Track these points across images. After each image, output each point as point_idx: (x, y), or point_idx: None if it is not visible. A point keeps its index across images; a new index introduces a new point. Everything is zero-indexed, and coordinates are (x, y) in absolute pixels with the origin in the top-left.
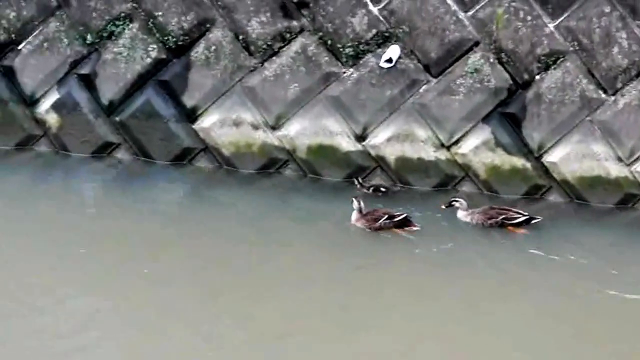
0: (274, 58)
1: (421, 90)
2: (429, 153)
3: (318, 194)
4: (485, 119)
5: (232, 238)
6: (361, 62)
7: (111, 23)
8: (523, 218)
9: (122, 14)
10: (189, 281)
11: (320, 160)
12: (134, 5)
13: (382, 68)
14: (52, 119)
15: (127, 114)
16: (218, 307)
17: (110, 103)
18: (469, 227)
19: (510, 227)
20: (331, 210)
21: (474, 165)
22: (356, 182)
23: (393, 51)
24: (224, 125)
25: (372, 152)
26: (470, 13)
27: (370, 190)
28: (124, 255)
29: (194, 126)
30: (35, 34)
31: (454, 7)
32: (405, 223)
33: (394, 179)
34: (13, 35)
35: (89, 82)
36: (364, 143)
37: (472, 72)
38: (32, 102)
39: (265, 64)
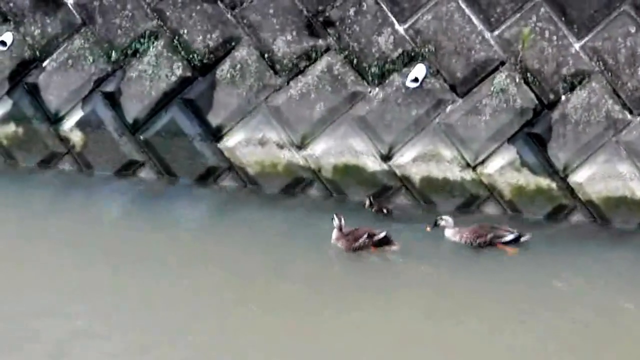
0: (299, 77)
1: (447, 110)
2: (455, 173)
3: (343, 214)
4: (511, 139)
5: (256, 257)
6: (387, 81)
7: (136, 41)
8: (512, 236)
9: (147, 32)
10: (212, 299)
11: (345, 180)
12: (159, 22)
13: (408, 88)
14: (76, 137)
15: (152, 132)
16: (240, 323)
17: (135, 121)
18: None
19: (500, 245)
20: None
21: (499, 186)
22: (367, 202)
23: (419, 71)
24: (249, 144)
25: (398, 172)
26: (496, 33)
27: (375, 210)
28: (147, 273)
29: (219, 145)
30: (59, 51)
31: (480, 26)
32: (386, 241)
33: (419, 199)
34: (37, 52)
35: (113, 100)
36: (389, 163)
37: (497, 92)
38: (56, 119)
39: (291, 83)
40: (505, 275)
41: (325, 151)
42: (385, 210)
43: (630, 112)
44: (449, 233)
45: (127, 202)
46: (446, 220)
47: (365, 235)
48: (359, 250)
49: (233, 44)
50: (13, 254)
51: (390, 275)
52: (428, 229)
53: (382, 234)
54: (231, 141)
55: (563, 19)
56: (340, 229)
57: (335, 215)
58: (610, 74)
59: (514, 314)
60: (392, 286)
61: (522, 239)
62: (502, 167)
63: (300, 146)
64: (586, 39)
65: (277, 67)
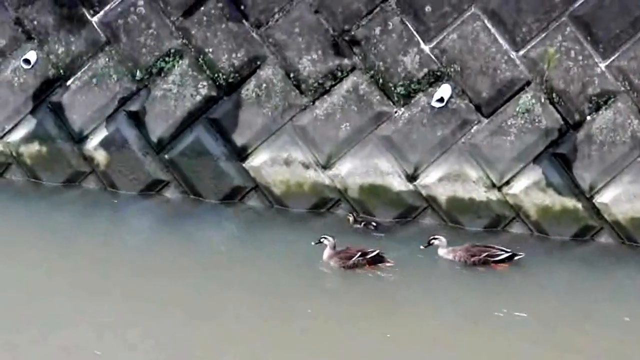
0: (325, 96)
1: (472, 130)
2: (480, 193)
3: (368, 234)
4: (536, 160)
5: (282, 277)
6: (412, 101)
7: (161, 59)
8: (506, 255)
9: (172, 50)
10: (238, 318)
11: (371, 200)
12: (184, 41)
13: (433, 107)
14: (101, 156)
15: (177, 151)
16: (272, 343)
17: (160, 140)
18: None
19: (493, 264)
20: (384, 251)
21: (525, 206)
22: (351, 217)
23: (444, 91)
24: (274, 164)
25: (423, 192)
26: (521, 52)
27: (362, 225)
28: (171, 293)
29: (244, 165)
30: (83, 69)
31: (506, 46)
32: (379, 259)
33: (445, 220)
34: (61, 71)
35: (138, 119)
36: (415, 183)
37: (523, 112)
38: (80, 138)
39: (317, 103)
40: (535, 293)
41: (351, 171)
42: (372, 226)
43: None
44: (442, 252)
45: (151, 221)
46: (440, 239)
47: (359, 254)
48: (352, 269)
49: (258, 63)
50: (37, 273)
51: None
52: (422, 247)
53: (374, 253)
54: (256, 161)
55: (588, 38)
56: (333, 247)
57: (325, 236)
58: (635, 94)
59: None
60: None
61: (516, 258)
62: (528, 188)
63: (326, 166)
64: (612, 58)
65: (303, 86)
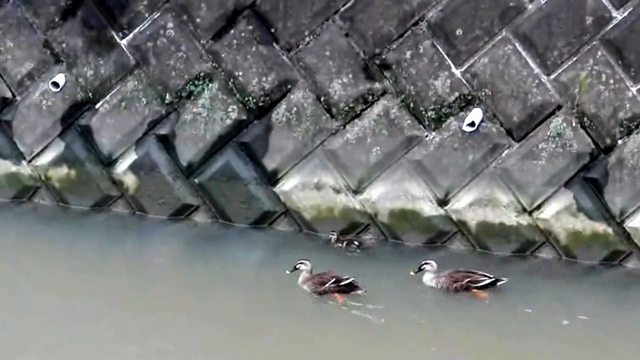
0: (355, 120)
1: (503, 155)
2: (511, 218)
3: (398, 258)
4: (567, 184)
5: (312, 303)
6: (443, 125)
7: (190, 83)
8: (489, 280)
9: (202, 74)
10: (269, 342)
11: (401, 224)
12: (214, 64)
13: (464, 132)
14: (130, 180)
15: (207, 176)
16: None
17: (189, 164)
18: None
19: (474, 290)
20: (411, 277)
21: (555, 231)
22: (333, 236)
23: (475, 115)
24: (305, 188)
25: (454, 217)
26: (552, 76)
27: (344, 244)
28: (201, 320)
29: (274, 189)
30: (112, 93)
31: (537, 70)
32: (352, 287)
33: (474, 245)
34: (90, 94)
35: (167, 143)
36: (445, 207)
37: (554, 137)
38: (109, 162)
39: (347, 127)
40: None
41: (382, 196)
42: (354, 245)
43: None
44: (427, 278)
45: (181, 245)
46: (431, 265)
47: (332, 281)
48: (324, 295)
49: (289, 86)
50: (64, 298)
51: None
52: (412, 273)
53: (348, 280)
54: (287, 185)
55: (620, 62)
56: (310, 271)
57: (302, 261)
58: None
59: None
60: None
61: (499, 284)
62: (558, 212)
63: (357, 191)
64: None
65: (334, 110)
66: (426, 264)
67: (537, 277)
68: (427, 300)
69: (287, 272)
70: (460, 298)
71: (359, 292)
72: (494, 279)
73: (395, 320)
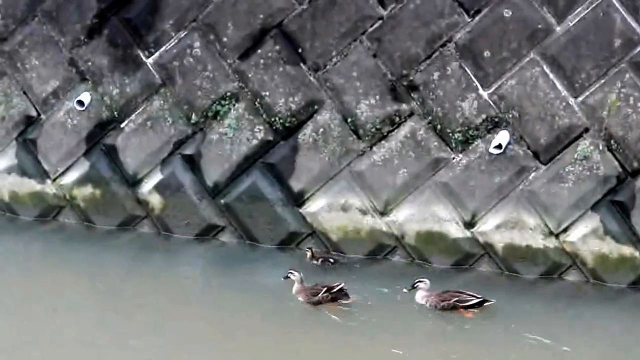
0: (382, 142)
1: (530, 177)
2: (538, 241)
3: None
4: (594, 207)
5: (340, 325)
6: (470, 147)
7: (217, 102)
8: (476, 300)
9: (228, 93)
10: None
11: (428, 246)
12: (241, 84)
13: (491, 154)
14: (155, 200)
15: (233, 196)
16: None
17: (215, 185)
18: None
19: (462, 310)
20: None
21: (582, 254)
22: (309, 253)
23: (502, 137)
24: (331, 210)
25: (481, 239)
26: (580, 99)
27: (320, 262)
28: (224, 342)
29: (301, 210)
30: (138, 112)
31: (564, 92)
32: (342, 294)
33: (501, 267)
34: (116, 113)
35: (193, 163)
36: (472, 230)
37: (581, 159)
38: (134, 182)
39: (374, 148)
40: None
41: (408, 217)
42: (329, 262)
43: None
44: (419, 296)
45: (206, 266)
46: (425, 282)
47: (324, 290)
48: (317, 305)
49: (316, 107)
50: (88, 319)
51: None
52: (405, 290)
53: (339, 287)
54: (313, 206)
55: None
56: (301, 282)
57: (292, 271)
58: None
59: None
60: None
61: (486, 304)
62: (585, 235)
63: (384, 212)
64: None
65: (360, 131)
66: (420, 281)
67: (564, 300)
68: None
69: (282, 278)
70: (466, 321)
71: (349, 300)
72: (481, 299)
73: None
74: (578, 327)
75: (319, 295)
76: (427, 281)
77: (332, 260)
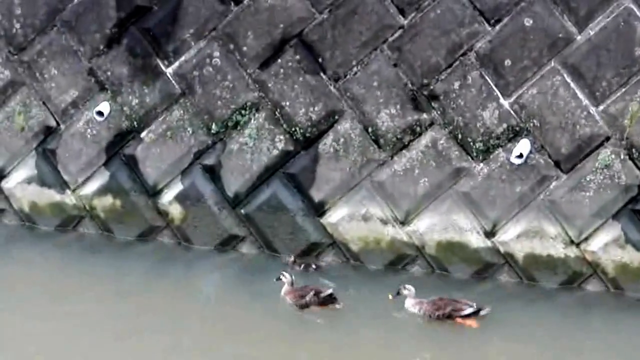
0: (403, 152)
1: (551, 187)
2: (558, 250)
3: (443, 292)
4: (615, 216)
5: (354, 334)
6: (491, 157)
7: (237, 112)
8: (471, 309)
9: (248, 103)
10: None
11: (449, 256)
12: (261, 94)
13: (512, 163)
14: (175, 211)
15: (253, 206)
16: None
17: (236, 195)
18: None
19: (458, 319)
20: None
21: (603, 263)
22: (292, 258)
23: (523, 146)
24: (352, 219)
25: (501, 249)
26: (601, 108)
27: (302, 267)
28: (245, 353)
29: (321, 220)
30: (158, 122)
31: (585, 101)
32: (330, 300)
33: (521, 276)
34: (135, 123)
35: (213, 173)
36: (493, 239)
37: (602, 168)
38: (154, 192)
39: (395, 158)
40: None
41: (429, 227)
42: (312, 268)
43: None
44: (409, 304)
45: (226, 277)
46: (409, 289)
47: (312, 293)
48: (305, 307)
49: (336, 117)
50: (107, 331)
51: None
52: (390, 297)
53: (328, 292)
54: (334, 217)
55: None
56: (291, 284)
57: (283, 273)
58: None
59: None
60: None
61: (482, 313)
62: (606, 244)
63: (404, 222)
64: None
65: (381, 141)
66: (404, 288)
67: (585, 309)
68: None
69: (275, 280)
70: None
71: (337, 306)
72: (477, 308)
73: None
74: (596, 336)
75: (307, 298)
76: (412, 288)
77: (314, 266)
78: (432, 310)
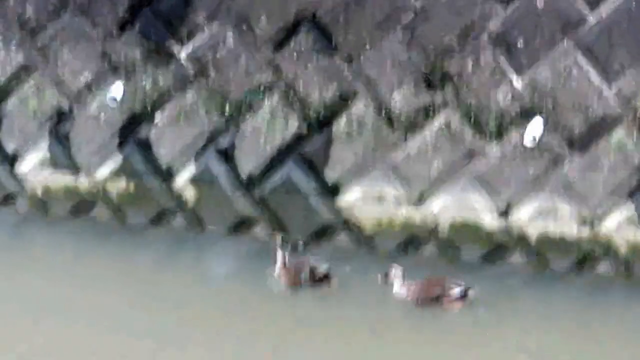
0: (417, 132)
1: (565, 167)
2: (572, 230)
3: (454, 273)
4: (629, 196)
5: (367, 318)
6: (505, 137)
7: (251, 94)
8: (459, 290)
9: (262, 86)
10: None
11: (461, 237)
12: (274, 76)
13: (525, 144)
14: (189, 193)
15: (267, 188)
16: None
17: (249, 177)
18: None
19: (446, 300)
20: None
21: (616, 243)
22: (279, 240)
23: (537, 127)
24: (366, 200)
25: (515, 229)
26: (614, 88)
27: (289, 247)
28: (257, 338)
29: (335, 202)
30: (171, 105)
31: (598, 82)
32: (326, 278)
33: (533, 256)
34: (149, 107)
35: (227, 156)
36: (506, 220)
37: (616, 149)
38: (168, 175)
39: (409, 139)
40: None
41: (443, 208)
42: (299, 245)
43: None
44: (397, 286)
45: (239, 259)
46: (397, 269)
47: (307, 270)
48: (299, 285)
49: (350, 98)
50: (119, 313)
51: None
52: (379, 277)
53: (323, 268)
54: (348, 198)
55: None
56: (284, 264)
57: (279, 250)
58: None
59: None
60: None
61: (470, 293)
62: (620, 224)
63: (418, 203)
64: None
65: (395, 122)
66: (391, 269)
67: (598, 290)
68: None
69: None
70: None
71: (332, 283)
72: (465, 289)
73: None
74: (609, 317)
75: (302, 274)
76: (399, 270)
77: (302, 244)
78: (420, 292)
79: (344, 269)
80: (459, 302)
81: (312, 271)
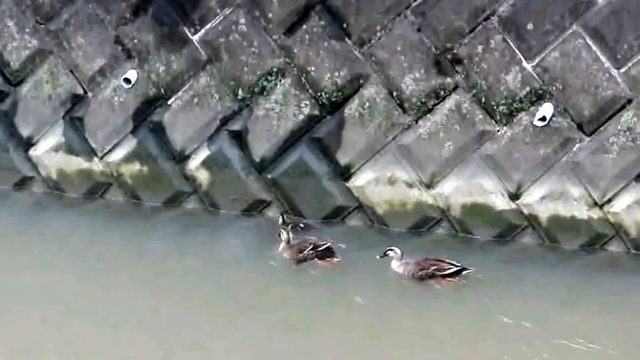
0: (428, 115)
1: (574, 149)
2: (582, 212)
3: (465, 254)
4: (638, 178)
5: (382, 299)
6: (515, 120)
7: (263, 78)
8: (455, 269)
9: (274, 69)
10: (340, 335)
11: (473, 219)
12: (286, 60)
13: (535, 126)
14: (202, 176)
15: (279, 171)
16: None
17: (262, 160)
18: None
19: (442, 278)
20: (478, 271)
21: (626, 224)
22: (280, 219)
23: (546, 109)
24: (378, 183)
25: (525, 211)
26: (623, 70)
27: (290, 227)
28: (272, 318)
29: (347, 184)
30: (185, 88)
31: (607, 64)
32: (328, 253)
33: (544, 238)
34: (162, 90)
35: (240, 139)
36: (517, 202)
37: (625, 131)
38: (181, 158)
39: (420, 122)
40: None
41: (454, 190)
42: (299, 227)
43: None
44: (395, 265)
45: (252, 241)
46: (395, 251)
47: (310, 247)
48: (303, 262)
49: (361, 81)
50: (137, 295)
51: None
52: (378, 257)
53: (326, 245)
54: (360, 180)
55: None
56: (288, 241)
57: (281, 230)
58: None
59: None
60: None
61: (465, 272)
62: (629, 206)
63: (429, 185)
64: None
65: (406, 105)
66: (390, 250)
67: (607, 270)
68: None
69: (277, 235)
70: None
71: (335, 259)
72: (460, 268)
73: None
74: (618, 296)
75: (305, 252)
76: (398, 250)
77: (301, 225)
78: (417, 270)
79: (352, 247)
80: (453, 278)
81: (315, 247)
